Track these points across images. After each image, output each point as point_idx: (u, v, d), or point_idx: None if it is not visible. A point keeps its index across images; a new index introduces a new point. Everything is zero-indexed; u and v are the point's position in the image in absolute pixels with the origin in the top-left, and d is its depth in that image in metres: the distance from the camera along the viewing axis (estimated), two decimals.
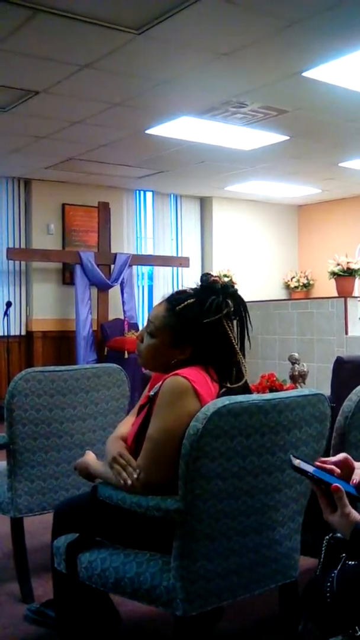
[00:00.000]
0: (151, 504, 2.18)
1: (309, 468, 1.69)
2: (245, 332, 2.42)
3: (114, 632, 2.86)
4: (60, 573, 2.51)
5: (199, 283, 2.45)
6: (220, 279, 2.47)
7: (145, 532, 2.33)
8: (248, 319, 2.44)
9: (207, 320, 2.34)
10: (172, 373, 2.29)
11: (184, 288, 2.50)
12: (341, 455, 1.77)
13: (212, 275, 2.47)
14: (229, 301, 2.37)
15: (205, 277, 2.45)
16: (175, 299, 2.41)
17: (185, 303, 2.38)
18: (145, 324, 2.56)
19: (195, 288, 2.44)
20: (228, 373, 2.39)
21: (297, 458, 1.70)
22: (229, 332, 2.36)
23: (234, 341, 2.37)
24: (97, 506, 2.37)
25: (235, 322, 2.40)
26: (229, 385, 2.38)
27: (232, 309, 2.38)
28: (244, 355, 2.42)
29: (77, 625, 2.57)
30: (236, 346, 2.37)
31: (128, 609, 3.04)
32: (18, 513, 3.27)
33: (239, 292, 2.48)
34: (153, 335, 2.43)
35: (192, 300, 2.38)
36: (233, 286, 2.45)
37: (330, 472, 1.70)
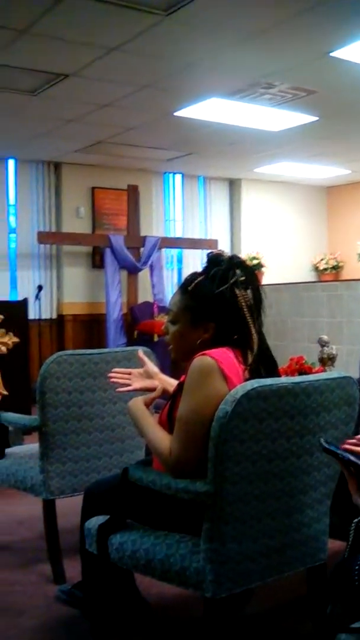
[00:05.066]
0: (180, 486, 2.20)
1: (339, 450, 1.70)
2: (260, 301, 2.42)
3: (143, 616, 2.90)
4: (90, 554, 2.55)
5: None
6: (224, 252, 2.50)
7: (175, 514, 2.35)
8: (261, 287, 2.44)
9: (218, 291, 2.36)
10: (199, 353, 2.30)
11: (194, 271, 2.54)
12: None
13: (215, 251, 2.52)
14: (237, 270, 2.39)
15: (210, 254, 2.50)
16: (187, 282, 2.46)
17: (196, 282, 2.42)
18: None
19: (204, 267, 2.48)
20: (250, 346, 2.39)
21: (327, 441, 1.71)
22: (241, 300, 2.37)
23: (245, 310, 2.37)
24: (127, 488, 2.39)
25: (249, 291, 2.40)
26: (250, 362, 2.37)
27: (243, 278, 2.39)
28: (262, 324, 2.42)
29: (105, 607, 2.61)
30: (247, 315, 2.37)
31: (158, 591, 3.07)
32: (50, 495, 3.31)
33: (247, 262, 2.50)
34: (175, 322, 2.47)
35: (201, 277, 2.43)
36: (239, 257, 2.48)
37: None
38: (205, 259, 2.49)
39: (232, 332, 2.39)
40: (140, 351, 2.91)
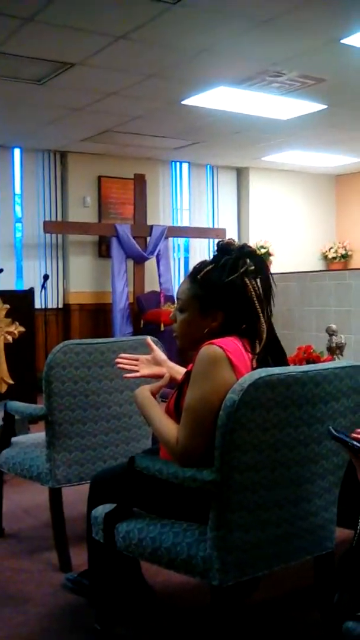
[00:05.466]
0: (187, 475, 2.19)
1: (348, 438, 1.69)
2: (270, 291, 2.41)
3: (149, 604, 2.90)
4: (96, 542, 2.55)
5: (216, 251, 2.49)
6: (234, 241, 2.49)
7: (181, 502, 2.35)
8: (271, 277, 2.43)
9: (227, 280, 2.35)
10: (207, 342, 2.29)
11: (203, 259, 2.53)
12: None
13: (225, 240, 2.51)
14: (248, 260, 2.38)
15: (220, 242, 2.49)
16: (196, 270, 2.45)
17: (205, 270, 2.42)
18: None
19: (214, 256, 2.47)
20: (259, 335, 2.38)
21: (337, 429, 1.71)
22: (250, 289, 2.36)
23: (254, 299, 2.36)
24: (134, 477, 2.39)
25: (258, 280, 2.39)
26: (258, 351, 2.36)
27: (253, 267, 2.38)
28: (271, 313, 2.41)
29: (111, 595, 2.61)
30: (256, 304, 2.36)
31: (164, 579, 3.07)
32: (56, 483, 3.31)
33: (257, 252, 2.49)
34: (183, 310, 2.46)
35: (211, 266, 2.42)
36: (250, 246, 2.47)
37: None
38: (212, 248, 2.48)
39: (240, 321, 2.38)
40: (149, 338, 2.90)
